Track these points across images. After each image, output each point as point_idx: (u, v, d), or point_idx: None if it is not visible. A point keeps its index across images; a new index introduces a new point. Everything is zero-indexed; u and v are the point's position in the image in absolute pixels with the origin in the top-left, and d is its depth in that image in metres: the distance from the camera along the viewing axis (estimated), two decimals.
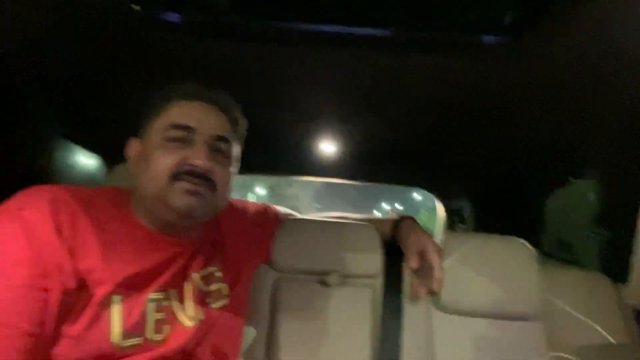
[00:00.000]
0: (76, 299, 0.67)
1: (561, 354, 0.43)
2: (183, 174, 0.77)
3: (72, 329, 0.66)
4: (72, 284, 0.66)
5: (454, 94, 1.14)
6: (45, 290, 0.64)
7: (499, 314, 1.10)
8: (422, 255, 1.08)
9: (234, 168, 0.89)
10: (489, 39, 0.94)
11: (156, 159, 0.77)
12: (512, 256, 1.12)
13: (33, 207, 0.67)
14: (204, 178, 0.78)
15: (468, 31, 0.95)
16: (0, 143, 1.02)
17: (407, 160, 1.73)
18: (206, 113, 0.83)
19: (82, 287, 0.68)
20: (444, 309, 1.11)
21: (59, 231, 0.67)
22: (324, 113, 1.33)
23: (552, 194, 1.49)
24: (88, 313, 0.67)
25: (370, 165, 1.83)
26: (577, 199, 1.38)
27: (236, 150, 0.90)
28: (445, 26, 0.95)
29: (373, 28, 0.94)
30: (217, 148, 0.83)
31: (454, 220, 2.04)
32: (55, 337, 0.65)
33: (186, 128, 0.79)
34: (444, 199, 2.08)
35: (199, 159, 0.77)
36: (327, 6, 0.92)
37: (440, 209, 2.13)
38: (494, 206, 1.78)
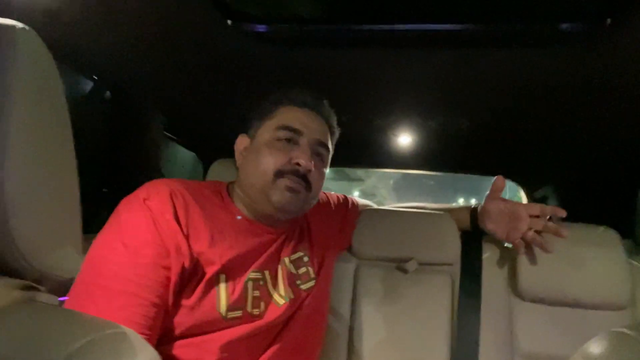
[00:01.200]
0: (191, 276, 0.78)
1: (618, 329, 0.45)
2: (287, 173, 0.86)
3: (188, 301, 0.77)
4: (187, 263, 0.76)
5: (536, 84, 1.12)
6: (168, 268, 0.74)
7: (581, 303, 1.08)
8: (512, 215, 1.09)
9: (326, 172, 0.99)
10: (568, 26, 0.92)
11: (265, 156, 0.88)
12: (598, 244, 1.09)
13: (156, 197, 0.79)
14: (303, 178, 0.87)
15: (547, 20, 0.93)
16: (124, 144, 1.20)
17: (490, 150, 1.71)
18: (311, 119, 0.93)
19: (196, 266, 0.78)
20: (524, 297, 1.11)
21: (177, 218, 0.78)
22: (404, 108, 1.37)
23: None
24: (200, 288, 0.78)
25: (451, 155, 1.83)
26: None
27: (330, 155, 1.00)
28: (523, 16, 0.95)
29: (450, 24, 0.96)
30: (317, 152, 0.93)
31: None
32: (174, 308, 0.76)
33: (294, 130, 0.90)
34: (528, 188, 2.02)
35: (304, 159, 0.86)
36: (402, 5, 0.95)
37: (524, 199, 2.07)
38: (581, 195, 1.70)
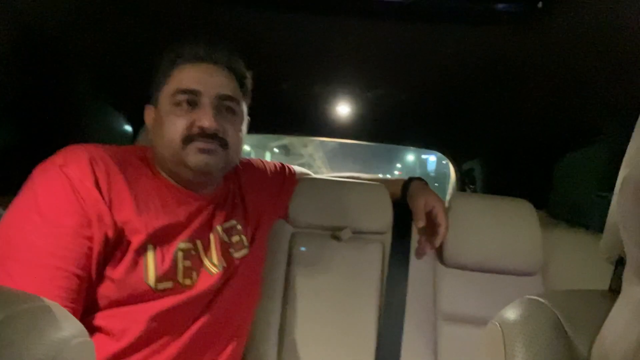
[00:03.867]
0: (115, 246, 0.74)
1: (532, 296, 0.50)
2: (194, 136, 0.81)
3: (114, 273, 0.74)
4: (111, 232, 0.73)
5: (468, 61, 1.16)
6: (90, 238, 0.70)
7: (499, 269, 1.17)
8: (429, 215, 1.15)
9: (244, 123, 0.94)
10: (503, 6, 0.95)
11: (168, 125, 0.82)
12: (515, 216, 1.18)
13: (74, 163, 0.73)
14: (214, 137, 0.83)
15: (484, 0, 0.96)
16: (42, 102, 1.09)
17: (421, 122, 1.76)
18: (210, 74, 0.86)
19: (120, 236, 0.75)
20: (447, 263, 1.19)
21: (97, 185, 0.73)
22: (341, 77, 1.36)
23: (561, 158, 1.52)
24: (127, 259, 0.75)
25: (385, 127, 1.86)
26: (586, 163, 1.41)
27: (244, 105, 0.94)
28: None
29: None
30: (224, 106, 0.86)
31: (464, 182, 2.08)
32: (98, 279, 0.73)
33: (191, 92, 0.83)
34: (455, 160, 2.12)
35: (207, 121, 0.81)
36: None
37: (452, 171, 2.17)
38: (504, 168, 1.82)
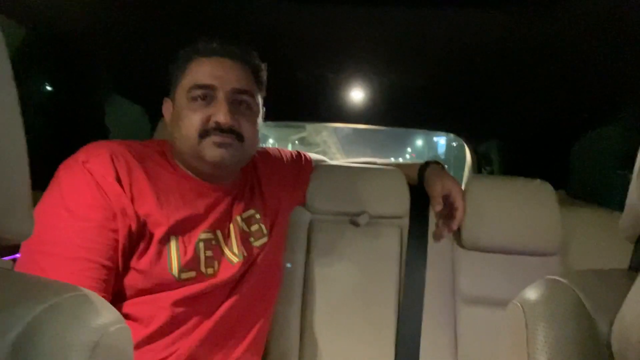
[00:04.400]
0: (139, 238, 0.77)
1: (553, 277, 0.50)
2: (210, 130, 0.83)
3: (139, 264, 0.77)
4: (134, 225, 0.76)
5: (483, 43, 1.15)
6: (115, 231, 0.74)
7: (517, 250, 1.17)
8: (447, 198, 1.15)
9: (260, 116, 0.95)
10: None
11: (184, 120, 0.84)
12: (533, 196, 1.17)
13: (96, 160, 0.76)
14: (230, 131, 0.84)
15: None
16: (61, 99, 1.12)
17: (437, 105, 1.75)
18: (225, 68, 0.87)
19: (143, 228, 0.78)
20: (466, 245, 1.19)
21: (119, 180, 0.77)
22: (355, 63, 1.36)
23: (579, 137, 1.50)
24: (151, 251, 0.78)
25: (400, 111, 1.86)
26: (604, 142, 1.40)
27: (259, 97, 0.95)
28: None
29: None
30: (239, 100, 0.88)
31: (481, 164, 2.07)
32: (124, 270, 0.76)
33: (207, 87, 0.85)
34: (471, 142, 2.11)
35: (222, 116, 0.83)
36: None
37: (468, 153, 2.16)
38: (521, 148, 1.80)
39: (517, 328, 0.50)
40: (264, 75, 0.96)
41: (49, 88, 1.10)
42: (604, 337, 0.44)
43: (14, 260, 0.71)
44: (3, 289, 0.36)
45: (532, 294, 0.51)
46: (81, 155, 0.77)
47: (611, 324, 0.44)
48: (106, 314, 0.40)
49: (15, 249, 0.72)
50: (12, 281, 0.38)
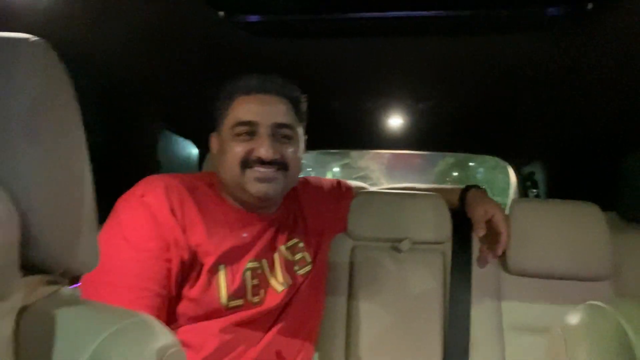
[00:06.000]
0: (190, 267, 0.82)
1: (596, 302, 0.49)
2: (252, 163, 0.88)
3: (190, 293, 0.81)
4: (186, 255, 0.80)
5: (521, 66, 1.15)
6: (169, 260, 0.78)
7: (565, 275, 1.13)
8: (489, 223, 1.14)
9: (301, 145, 0.99)
10: (552, 11, 0.94)
11: (228, 153, 0.89)
12: (581, 219, 1.14)
13: (152, 193, 0.82)
14: (272, 164, 0.88)
15: (532, 5, 0.95)
16: (119, 139, 1.21)
17: (478, 128, 1.74)
18: (265, 104, 0.91)
19: (194, 258, 0.82)
20: (512, 271, 1.16)
21: (173, 213, 0.81)
22: (393, 92, 1.39)
23: (628, 156, 1.45)
24: (201, 280, 0.82)
25: (440, 135, 1.86)
26: None
27: (301, 128, 0.99)
28: (509, 1, 0.96)
29: (437, 10, 0.97)
30: (281, 134, 0.92)
31: (526, 186, 2.02)
32: (177, 298, 0.80)
33: (249, 123, 0.89)
34: (515, 164, 2.07)
35: (264, 150, 0.87)
36: None
37: (512, 175, 2.11)
38: (567, 170, 1.75)
39: (557, 353, 0.49)
40: (304, 106, 1.00)
41: (105, 126, 1.20)
42: None
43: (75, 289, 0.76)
44: (69, 317, 0.39)
45: (573, 318, 0.51)
46: (138, 189, 0.83)
47: None
48: (164, 337, 0.43)
49: (76, 279, 0.78)
50: (81, 309, 0.42)
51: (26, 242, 0.37)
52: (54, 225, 0.39)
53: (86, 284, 0.72)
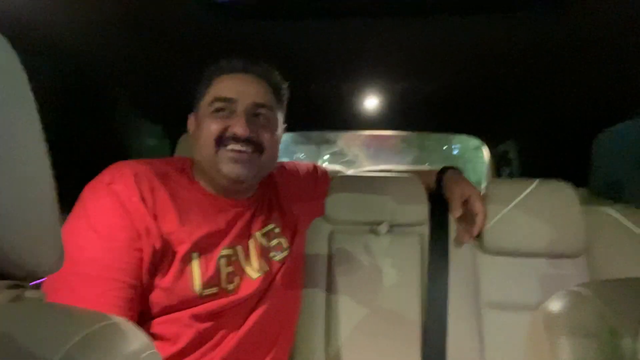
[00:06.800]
0: (163, 256, 0.79)
1: (575, 288, 0.49)
2: (227, 140, 0.85)
3: (163, 282, 0.78)
4: (158, 244, 0.77)
5: (497, 47, 1.14)
6: (140, 250, 0.75)
7: (541, 253, 1.15)
8: (466, 204, 1.14)
9: (279, 130, 0.97)
10: None
11: (204, 129, 0.87)
12: (554, 198, 1.16)
13: (120, 181, 0.78)
14: (247, 142, 0.86)
15: None
16: (86, 124, 1.16)
17: (452, 108, 1.74)
18: (245, 83, 0.90)
19: (167, 247, 0.79)
20: (488, 250, 1.18)
21: (143, 200, 0.78)
22: (370, 73, 1.37)
23: (601, 134, 1.47)
24: (174, 269, 0.79)
25: (415, 116, 1.85)
26: (626, 138, 1.37)
27: (280, 114, 0.97)
28: None
29: None
30: (257, 114, 0.90)
31: (500, 164, 2.05)
32: (149, 288, 0.78)
33: (227, 99, 0.88)
34: (490, 144, 2.09)
35: (240, 127, 0.85)
36: None
37: (486, 154, 2.14)
38: (540, 148, 1.78)
39: (539, 341, 0.49)
40: (284, 93, 0.99)
41: (71, 113, 1.14)
42: (629, 352, 0.43)
43: (39, 285, 0.73)
44: (34, 323, 0.37)
45: (553, 306, 0.51)
46: (106, 176, 0.79)
47: (637, 336, 0.43)
48: (136, 341, 0.41)
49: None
50: (45, 314, 0.39)
51: None
52: (13, 228, 0.37)
53: (54, 276, 0.69)
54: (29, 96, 0.38)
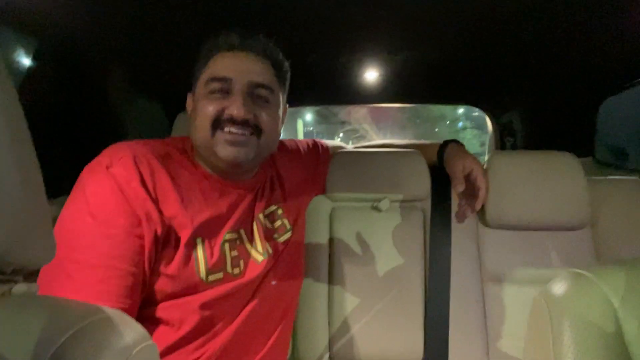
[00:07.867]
0: (165, 242, 0.77)
1: (578, 270, 0.49)
2: (224, 122, 0.82)
3: (168, 269, 0.77)
4: (160, 229, 0.75)
5: (498, 15, 1.11)
6: (140, 236, 0.73)
7: (544, 225, 1.14)
8: (468, 178, 1.13)
9: (280, 113, 0.93)
10: None
11: (200, 110, 0.84)
12: (558, 169, 1.14)
13: (120, 163, 0.76)
14: (245, 124, 0.83)
15: None
16: (83, 102, 1.14)
17: (454, 78, 1.71)
18: (243, 61, 0.86)
19: (169, 232, 0.78)
20: (490, 224, 1.17)
21: (143, 184, 0.76)
22: (369, 44, 1.34)
23: (605, 102, 1.45)
24: (178, 255, 0.78)
25: (417, 87, 1.82)
26: (630, 106, 1.35)
27: (281, 93, 0.93)
28: None
29: None
30: (256, 94, 0.86)
31: (503, 134, 2.02)
32: (153, 275, 0.76)
33: (223, 79, 0.84)
34: (493, 114, 2.06)
35: (235, 109, 0.82)
36: None
37: (489, 125, 2.11)
38: (544, 117, 1.75)
39: (542, 324, 0.49)
40: (286, 71, 0.95)
41: (66, 91, 1.13)
42: (632, 337, 0.43)
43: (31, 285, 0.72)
44: (27, 317, 0.37)
45: (556, 289, 0.50)
46: (104, 158, 0.77)
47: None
48: (130, 334, 0.40)
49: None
50: (36, 309, 0.39)
51: None
52: (1, 224, 0.35)
53: (50, 263, 0.70)
54: (14, 92, 0.37)
